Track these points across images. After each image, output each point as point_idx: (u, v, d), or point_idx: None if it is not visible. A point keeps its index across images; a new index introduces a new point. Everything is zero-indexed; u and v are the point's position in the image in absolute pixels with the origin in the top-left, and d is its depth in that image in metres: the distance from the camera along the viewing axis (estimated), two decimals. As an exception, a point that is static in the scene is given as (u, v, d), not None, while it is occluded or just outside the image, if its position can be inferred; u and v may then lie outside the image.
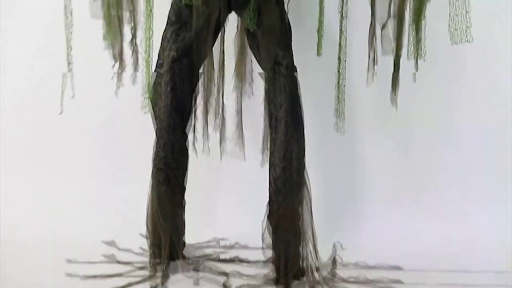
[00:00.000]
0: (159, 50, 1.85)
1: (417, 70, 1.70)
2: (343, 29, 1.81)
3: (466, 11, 1.59)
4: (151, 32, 1.78)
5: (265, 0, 1.74)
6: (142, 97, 1.84)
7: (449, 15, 1.61)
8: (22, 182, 2.43)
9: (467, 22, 1.59)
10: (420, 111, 2.36)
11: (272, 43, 1.77)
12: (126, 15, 1.78)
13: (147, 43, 1.77)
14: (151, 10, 1.77)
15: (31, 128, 2.50)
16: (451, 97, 2.36)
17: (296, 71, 1.79)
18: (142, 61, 1.80)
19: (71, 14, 1.75)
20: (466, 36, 1.60)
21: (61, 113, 1.83)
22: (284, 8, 1.83)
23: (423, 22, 1.68)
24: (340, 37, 1.82)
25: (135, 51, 1.83)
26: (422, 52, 1.69)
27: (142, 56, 1.79)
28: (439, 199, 2.35)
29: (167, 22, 1.84)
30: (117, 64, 1.81)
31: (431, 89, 2.31)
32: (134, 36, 1.81)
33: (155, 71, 1.84)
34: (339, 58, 1.84)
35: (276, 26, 1.78)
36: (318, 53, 1.88)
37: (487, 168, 2.37)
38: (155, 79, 1.84)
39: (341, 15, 1.81)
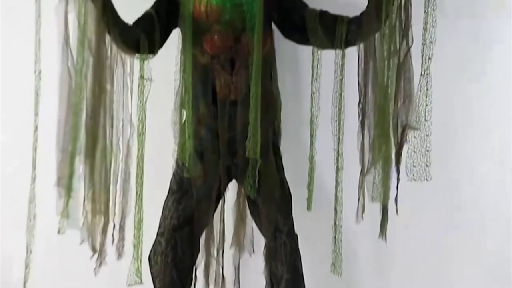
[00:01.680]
0: (160, 219, 1.85)
1: (397, 213, 1.71)
2: (338, 180, 1.82)
3: (427, 150, 1.63)
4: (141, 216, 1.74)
5: (265, 168, 1.76)
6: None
7: (407, 152, 1.64)
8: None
9: (426, 160, 1.63)
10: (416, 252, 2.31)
11: (272, 210, 1.81)
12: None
13: (138, 232, 1.74)
14: (141, 193, 1.74)
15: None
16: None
17: (297, 238, 1.84)
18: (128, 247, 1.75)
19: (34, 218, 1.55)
20: (425, 174, 1.64)
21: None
22: (284, 175, 1.87)
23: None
24: (336, 188, 1.83)
25: (121, 238, 1.76)
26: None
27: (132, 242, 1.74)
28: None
29: (169, 191, 1.85)
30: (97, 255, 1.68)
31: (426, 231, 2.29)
32: (122, 225, 1.75)
33: (155, 240, 1.84)
34: (335, 209, 1.84)
35: (276, 193, 1.82)
36: (309, 208, 1.93)
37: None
38: (155, 249, 1.83)
39: (337, 167, 1.82)
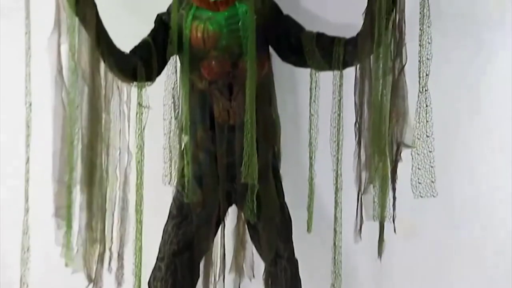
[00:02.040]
0: (160, 244, 1.83)
1: (395, 231, 1.69)
2: (338, 200, 1.80)
3: (431, 166, 1.60)
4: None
5: (265, 193, 1.76)
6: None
7: (412, 169, 1.61)
8: None
9: (431, 176, 1.60)
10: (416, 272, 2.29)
11: (272, 235, 1.80)
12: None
13: (138, 259, 1.71)
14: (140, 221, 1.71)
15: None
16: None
17: (297, 263, 1.84)
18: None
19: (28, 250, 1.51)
20: (431, 190, 1.61)
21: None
22: (284, 199, 1.86)
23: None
24: (336, 209, 1.81)
25: (120, 266, 1.74)
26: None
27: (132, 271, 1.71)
28: None
29: (169, 215, 1.84)
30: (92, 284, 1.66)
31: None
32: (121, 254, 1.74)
33: (155, 265, 1.82)
34: (334, 230, 1.82)
35: (277, 218, 1.81)
36: (309, 230, 1.91)
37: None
38: (155, 275, 1.82)
39: (336, 187, 1.80)
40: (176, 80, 1.81)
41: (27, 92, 1.44)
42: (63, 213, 1.48)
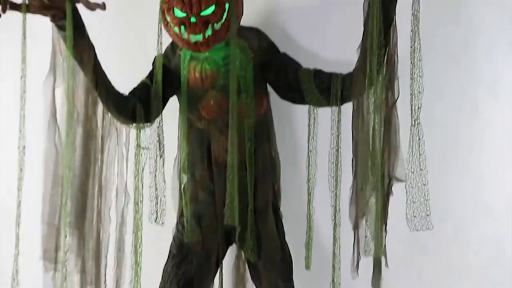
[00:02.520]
0: (160, 284, 1.83)
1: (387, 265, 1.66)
2: (336, 236, 1.77)
3: (426, 203, 1.58)
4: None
5: (265, 231, 1.77)
6: None
7: (406, 203, 1.59)
8: None
9: (426, 209, 1.57)
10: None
11: (273, 274, 1.79)
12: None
13: None
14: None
15: None
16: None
17: None
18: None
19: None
20: (427, 223, 1.58)
21: None
22: (284, 238, 1.86)
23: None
24: (334, 245, 1.78)
25: None
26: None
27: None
28: None
29: (169, 255, 1.84)
30: None
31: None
32: None
33: None
34: (333, 266, 1.79)
35: (277, 257, 1.80)
36: (307, 267, 1.88)
37: None
38: None
39: (335, 223, 1.78)
40: (161, 119, 1.81)
41: (21, 136, 1.44)
42: (51, 255, 1.48)
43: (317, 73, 1.74)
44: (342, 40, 1.92)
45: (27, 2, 1.37)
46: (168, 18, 1.63)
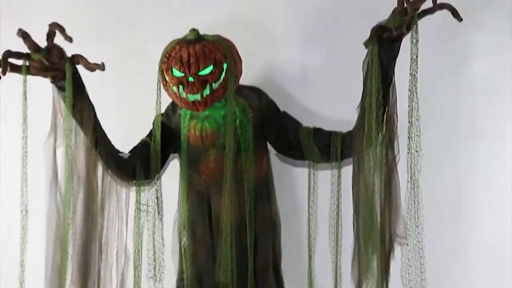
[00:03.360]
0: None
1: None
2: None
3: (421, 263, 1.57)
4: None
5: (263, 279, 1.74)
6: None
7: (401, 261, 1.58)
8: None
9: (421, 272, 1.56)
10: None
11: None
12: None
13: None
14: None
15: None
16: None
17: None
18: None
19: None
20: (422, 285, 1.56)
21: None
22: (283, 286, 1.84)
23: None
24: None
25: None
26: None
27: None
28: None
29: None
30: None
31: None
32: None
33: None
34: None
35: None
36: None
37: None
38: None
39: (335, 281, 1.79)
40: (160, 178, 1.81)
41: (23, 196, 1.44)
42: None
43: (317, 131, 1.76)
44: (341, 98, 1.94)
45: (27, 63, 1.39)
46: (167, 78, 1.66)
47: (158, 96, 1.72)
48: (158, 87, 1.71)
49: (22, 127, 1.45)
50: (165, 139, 1.76)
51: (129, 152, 1.73)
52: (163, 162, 1.79)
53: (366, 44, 1.50)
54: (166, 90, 1.69)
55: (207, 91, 1.64)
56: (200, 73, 1.61)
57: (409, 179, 1.52)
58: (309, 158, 1.78)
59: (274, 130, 1.81)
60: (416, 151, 1.52)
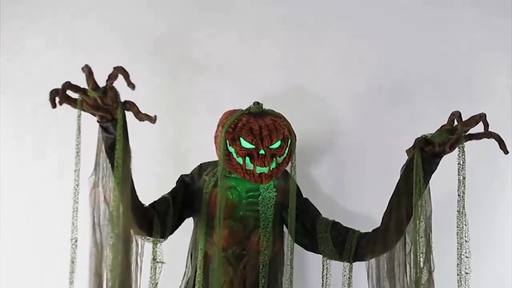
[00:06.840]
0: None
1: None
2: None
3: None
4: None
5: None
6: None
7: None
8: None
9: None
10: None
11: None
12: None
13: None
14: None
15: None
16: None
17: None
18: None
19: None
20: None
21: None
22: None
23: None
24: None
25: None
26: None
27: None
28: None
29: None
30: None
31: None
32: None
33: None
34: None
35: None
36: None
37: None
38: None
39: None
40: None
41: (73, 228, 1.41)
42: None
43: (335, 225, 1.75)
44: (363, 193, 1.98)
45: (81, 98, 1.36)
46: (232, 149, 1.65)
47: (220, 164, 1.71)
48: (222, 156, 1.68)
49: (75, 160, 1.40)
50: (185, 201, 1.74)
51: (148, 205, 1.67)
52: (179, 223, 1.75)
53: (409, 152, 1.52)
54: (227, 160, 1.67)
55: (273, 165, 1.66)
56: (271, 147, 1.64)
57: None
58: (321, 251, 1.75)
59: None
60: (466, 273, 1.49)
